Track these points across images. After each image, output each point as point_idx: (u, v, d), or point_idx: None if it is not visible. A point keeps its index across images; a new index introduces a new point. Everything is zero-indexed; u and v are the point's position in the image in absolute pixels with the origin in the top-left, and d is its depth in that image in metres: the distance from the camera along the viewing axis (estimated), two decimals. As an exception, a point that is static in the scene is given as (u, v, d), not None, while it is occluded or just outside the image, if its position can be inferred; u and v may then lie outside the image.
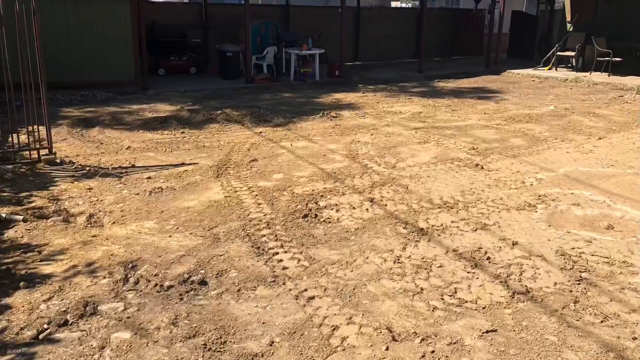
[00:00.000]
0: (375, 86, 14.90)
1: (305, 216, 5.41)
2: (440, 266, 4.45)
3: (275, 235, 4.97)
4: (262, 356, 3.28)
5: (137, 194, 5.99)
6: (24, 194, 5.88)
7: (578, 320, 3.72)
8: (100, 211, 5.48)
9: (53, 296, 3.85)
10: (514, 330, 3.58)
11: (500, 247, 4.83)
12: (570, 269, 4.44)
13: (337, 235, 5.01)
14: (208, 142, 8.31)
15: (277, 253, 4.61)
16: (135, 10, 12.53)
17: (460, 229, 5.20)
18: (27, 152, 7.02)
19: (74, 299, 3.81)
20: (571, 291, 4.09)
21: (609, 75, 16.14)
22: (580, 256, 4.66)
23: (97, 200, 5.79)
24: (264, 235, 4.96)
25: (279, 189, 6.23)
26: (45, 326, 3.49)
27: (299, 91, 13.83)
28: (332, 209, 5.63)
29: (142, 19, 12.75)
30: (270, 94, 13.18)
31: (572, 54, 17.75)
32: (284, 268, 4.36)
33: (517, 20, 21.99)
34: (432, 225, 5.27)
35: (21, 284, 3.97)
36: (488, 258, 4.60)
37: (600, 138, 8.97)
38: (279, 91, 13.72)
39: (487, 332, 3.56)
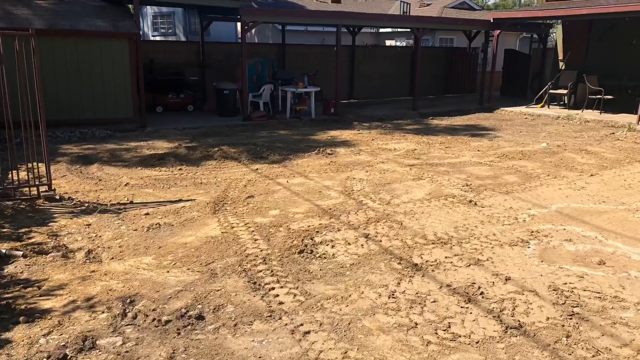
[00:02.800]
0: (370, 123, 15.10)
1: (301, 252, 5.48)
2: (434, 301, 4.51)
3: (272, 271, 5.02)
4: (259, 390, 3.31)
5: (135, 230, 6.05)
6: (23, 230, 5.94)
7: (570, 354, 3.77)
8: (98, 247, 5.54)
9: (52, 331, 3.89)
10: (507, 364, 3.63)
11: (493, 282, 4.90)
12: (563, 303, 4.50)
13: (333, 270, 5.08)
14: (205, 179, 8.41)
15: (273, 288, 4.67)
16: (134, 48, 12.76)
17: (454, 265, 5.27)
18: (27, 189, 7.11)
19: (73, 333, 3.86)
20: (563, 326, 4.15)
21: (600, 113, 16.40)
22: (572, 291, 4.73)
23: (96, 236, 5.85)
24: (261, 271, 5.02)
25: (275, 225, 6.30)
26: (45, 361, 3.53)
27: (295, 128, 14.01)
28: (327, 245, 5.71)
29: (141, 57, 13.00)
30: (266, 131, 13.36)
31: (565, 91, 18.03)
32: (280, 303, 4.41)
33: (510, 59, 22.37)
34: (426, 261, 5.34)
35: (21, 318, 4.01)
36: (481, 293, 4.66)
37: (592, 175, 9.11)
38: (275, 128, 13.90)
39: (480, 366, 3.61)
